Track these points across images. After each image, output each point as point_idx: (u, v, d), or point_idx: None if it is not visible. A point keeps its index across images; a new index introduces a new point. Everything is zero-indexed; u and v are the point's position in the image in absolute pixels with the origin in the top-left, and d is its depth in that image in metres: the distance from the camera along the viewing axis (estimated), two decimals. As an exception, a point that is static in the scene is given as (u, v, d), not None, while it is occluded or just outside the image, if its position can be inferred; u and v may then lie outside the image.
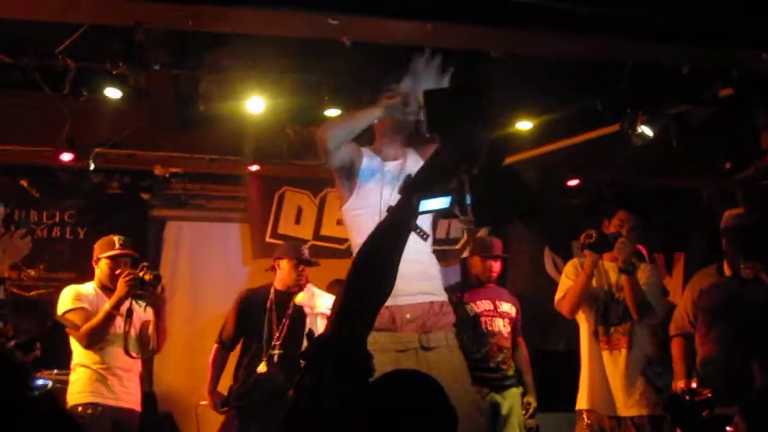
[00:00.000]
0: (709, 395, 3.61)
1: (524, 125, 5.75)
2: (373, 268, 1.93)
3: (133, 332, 4.46)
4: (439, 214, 1.95)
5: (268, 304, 4.97)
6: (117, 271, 4.47)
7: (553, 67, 5.08)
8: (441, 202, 1.90)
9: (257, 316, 4.96)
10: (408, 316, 2.97)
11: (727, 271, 4.24)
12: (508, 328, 5.06)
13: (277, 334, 4.87)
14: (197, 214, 7.04)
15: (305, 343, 4.80)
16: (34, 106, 5.48)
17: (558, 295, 4.36)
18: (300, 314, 4.92)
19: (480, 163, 1.90)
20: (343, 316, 1.88)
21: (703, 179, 7.09)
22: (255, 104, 5.25)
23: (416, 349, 2.96)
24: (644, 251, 4.72)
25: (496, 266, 5.21)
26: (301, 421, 1.61)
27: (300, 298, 4.98)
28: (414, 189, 1.94)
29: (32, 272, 6.49)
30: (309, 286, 5.09)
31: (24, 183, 6.43)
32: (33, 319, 5.64)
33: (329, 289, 5.59)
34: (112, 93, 5.06)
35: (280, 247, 5.26)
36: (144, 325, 4.53)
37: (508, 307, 5.12)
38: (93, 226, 6.46)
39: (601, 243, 4.05)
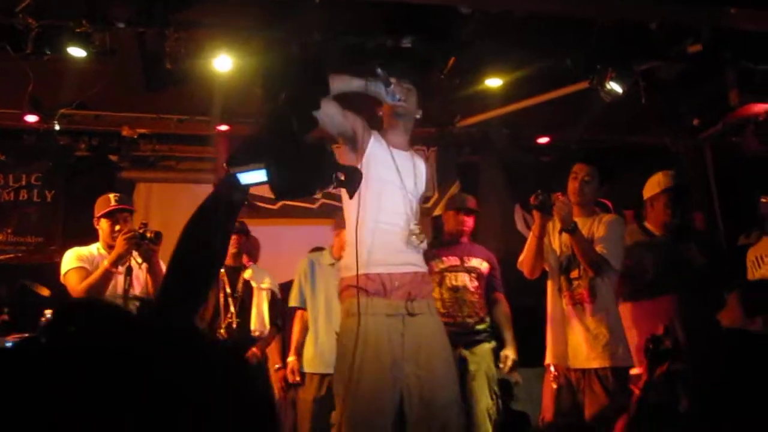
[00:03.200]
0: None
1: (494, 82, 5.74)
2: (198, 242, 1.90)
3: (133, 291, 4.38)
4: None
5: (223, 283, 5.33)
6: (117, 227, 4.44)
7: (522, 23, 5.06)
8: (258, 176, 1.88)
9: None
10: (397, 283, 3.21)
11: (654, 230, 4.48)
12: (475, 283, 5.07)
13: (233, 306, 5.29)
14: (167, 175, 6.98)
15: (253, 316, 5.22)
16: (-4, 66, 5.37)
17: (521, 257, 4.38)
18: (248, 289, 5.40)
19: (291, 133, 1.90)
20: (169, 289, 1.86)
21: (672, 136, 7.14)
22: (223, 63, 5.19)
23: (403, 315, 3.20)
24: (610, 205, 4.74)
25: (469, 221, 5.25)
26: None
27: (248, 275, 5.42)
28: (234, 163, 1.92)
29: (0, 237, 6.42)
30: (252, 264, 5.59)
31: (-11, 146, 6.33)
32: (2, 283, 5.60)
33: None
34: (76, 52, 4.96)
35: None
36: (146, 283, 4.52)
37: (477, 263, 5.14)
38: (61, 188, 6.40)
39: (547, 204, 4.05)
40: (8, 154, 6.39)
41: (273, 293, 5.50)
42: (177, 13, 4.95)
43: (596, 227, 4.18)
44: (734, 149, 6.91)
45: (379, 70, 3.18)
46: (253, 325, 5.29)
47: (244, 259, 5.54)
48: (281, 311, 5.54)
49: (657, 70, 5.71)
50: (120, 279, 4.32)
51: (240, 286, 5.36)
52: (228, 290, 5.32)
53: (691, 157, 7.23)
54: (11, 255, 6.19)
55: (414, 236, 3.30)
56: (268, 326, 5.36)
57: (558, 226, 4.19)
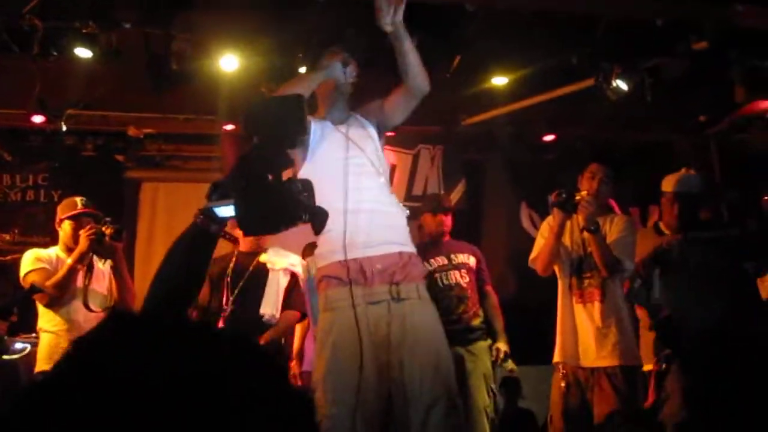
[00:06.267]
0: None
1: (499, 80, 5.75)
2: (177, 273, 1.98)
3: (95, 287, 4.42)
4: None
5: (228, 269, 4.87)
6: (80, 231, 4.38)
7: (527, 21, 5.06)
8: (230, 210, 1.96)
9: (219, 282, 4.87)
10: (378, 266, 2.98)
11: (665, 230, 4.44)
12: (467, 278, 5.03)
13: (228, 296, 4.79)
14: (173, 174, 7.01)
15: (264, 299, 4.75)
16: (2, 67, 5.38)
17: (532, 254, 4.39)
18: (262, 272, 4.87)
19: (262, 172, 1.95)
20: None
21: (678, 133, 7.14)
22: (229, 62, 5.21)
23: (388, 301, 2.98)
24: (615, 205, 4.74)
25: (447, 220, 5.17)
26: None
27: (264, 257, 4.90)
28: (210, 196, 2.00)
29: (7, 237, 6.45)
30: (274, 247, 5.02)
31: (-4, 146, 6.35)
32: (9, 283, 5.62)
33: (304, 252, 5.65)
34: (83, 53, 4.96)
35: None
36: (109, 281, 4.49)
37: (464, 258, 5.09)
38: (67, 188, 6.40)
39: (569, 203, 4.05)
40: (15, 154, 6.42)
41: (292, 274, 4.89)
42: (182, 13, 4.96)
43: (608, 227, 4.20)
44: (740, 146, 6.90)
45: (343, 54, 3.20)
46: (262, 308, 4.75)
47: (265, 242, 4.99)
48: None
49: (662, 67, 5.70)
50: (80, 275, 4.34)
51: (252, 269, 4.83)
52: (229, 278, 4.83)
53: (696, 154, 7.22)
54: (18, 255, 6.16)
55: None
56: (278, 310, 4.79)
57: (570, 224, 4.20)
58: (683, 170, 4.54)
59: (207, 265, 2.07)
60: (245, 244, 4.93)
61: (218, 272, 4.86)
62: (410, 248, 3.13)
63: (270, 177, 1.91)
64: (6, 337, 4.70)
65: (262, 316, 4.74)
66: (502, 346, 4.99)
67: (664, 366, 4.01)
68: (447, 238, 5.22)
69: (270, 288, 4.83)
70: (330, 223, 2.94)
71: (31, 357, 4.82)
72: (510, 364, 5.05)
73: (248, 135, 2.09)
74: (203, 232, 2.00)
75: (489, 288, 5.21)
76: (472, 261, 5.12)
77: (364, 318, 2.91)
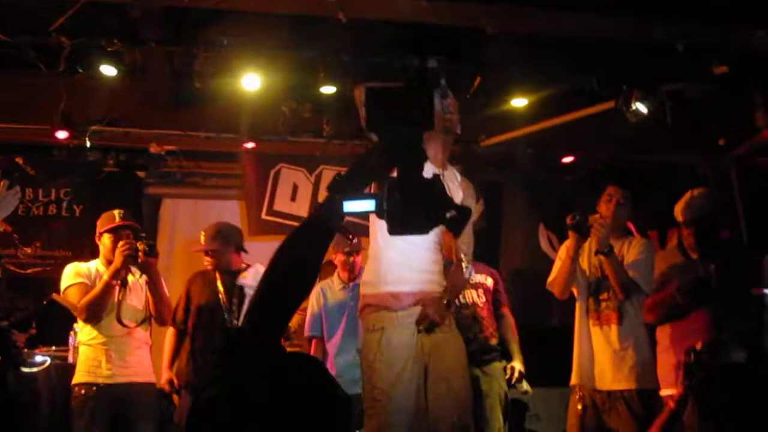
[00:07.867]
0: None
1: (519, 102, 5.76)
2: (293, 265, 1.86)
3: (132, 301, 4.48)
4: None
5: (218, 285, 4.91)
6: (120, 244, 4.44)
7: (549, 44, 5.08)
8: (366, 205, 1.82)
9: (207, 297, 4.91)
10: (420, 302, 3.25)
11: (691, 254, 4.31)
12: (483, 298, 4.99)
13: (235, 313, 4.82)
14: (193, 191, 7.05)
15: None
16: (29, 83, 5.46)
17: (550, 277, 4.39)
18: (241, 296, 4.86)
19: (410, 167, 1.84)
20: (260, 310, 1.85)
21: (698, 156, 7.11)
22: (251, 81, 5.26)
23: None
24: (633, 228, 4.72)
25: None
26: (205, 416, 1.58)
27: (242, 278, 4.90)
28: (339, 189, 1.86)
29: (28, 250, 6.49)
30: (256, 265, 4.96)
31: (20, 161, 6.41)
32: (29, 297, 5.67)
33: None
34: (108, 70, 5.05)
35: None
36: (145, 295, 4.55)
37: (482, 278, 5.06)
38: (89, 203, 6.48)
39: (584, 226, 4.07)
40: (38, 168, 6.48)
41: None
42: (206, 32, 5.02)
43: (626, 250, 4.19)
44: (761, 170, 6.87)
45: (443, 81, 3.16)
46: None
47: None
48: None
49: (683, 90, 5.70)
50: (116, 290, 4.40)
51: (236, 292, 4.85)
52: (224, 304, 4.86)
53: (716, 177, 7.19)
54: (39, 269, 6.27)
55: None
56: None
57: (587, 247, 4.20)
58: (688, 194, 4.49)
59: (322, 260, 1.98)
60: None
61: (209, 287, 4.93)
62: (441, 287, 3.38)
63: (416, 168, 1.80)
64: (25, 350, 4.74)
65: None
66: (518, 365, 4.97)
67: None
68: None
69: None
70: (385, 254, 3.17)
71: (50, 370, 4.86)
72: (524, 385, 5.02)
73: (372, 127, 1.99)
74: (323, 227, 1.91)
75: (506, 310, 5.18)
76: (489, 282, 5.10)
77: (410, 335, 3.17)
